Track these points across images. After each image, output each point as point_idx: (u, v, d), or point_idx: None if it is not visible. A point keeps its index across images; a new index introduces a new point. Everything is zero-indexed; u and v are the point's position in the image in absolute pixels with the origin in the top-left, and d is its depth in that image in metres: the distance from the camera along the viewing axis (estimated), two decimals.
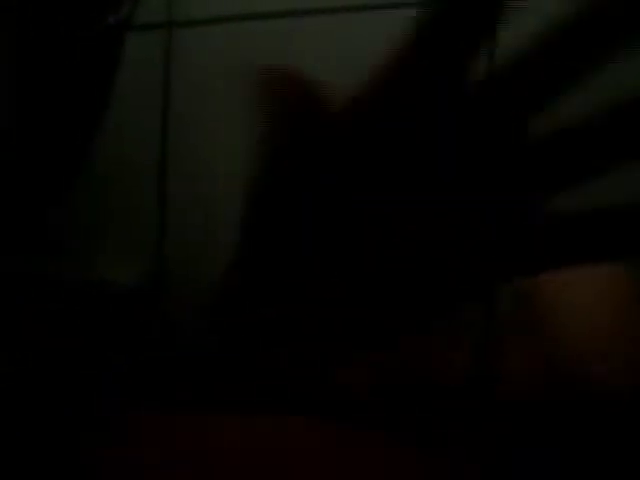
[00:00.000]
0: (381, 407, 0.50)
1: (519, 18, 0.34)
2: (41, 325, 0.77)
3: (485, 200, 0.32)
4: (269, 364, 0.35)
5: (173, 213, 1.32)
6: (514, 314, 0.66)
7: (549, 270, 0.35)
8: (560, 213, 0.33)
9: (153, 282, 1.19)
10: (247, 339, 0.36)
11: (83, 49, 1.14)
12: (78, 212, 1.26)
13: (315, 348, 0.34)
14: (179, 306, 1.24)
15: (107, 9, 0.97)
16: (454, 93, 0.30)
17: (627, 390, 0.50)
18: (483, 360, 0.64)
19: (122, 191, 1.26)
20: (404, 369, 0.56)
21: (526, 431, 0.50)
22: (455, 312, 0.34)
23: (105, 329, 0.91)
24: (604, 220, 0.33)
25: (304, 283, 0.32)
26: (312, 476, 0.25)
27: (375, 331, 0.32)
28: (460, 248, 0.32)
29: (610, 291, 0.61)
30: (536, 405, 0.53)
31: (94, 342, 0.81)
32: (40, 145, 1.02)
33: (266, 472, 0.25)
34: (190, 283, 1.24)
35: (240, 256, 0.35)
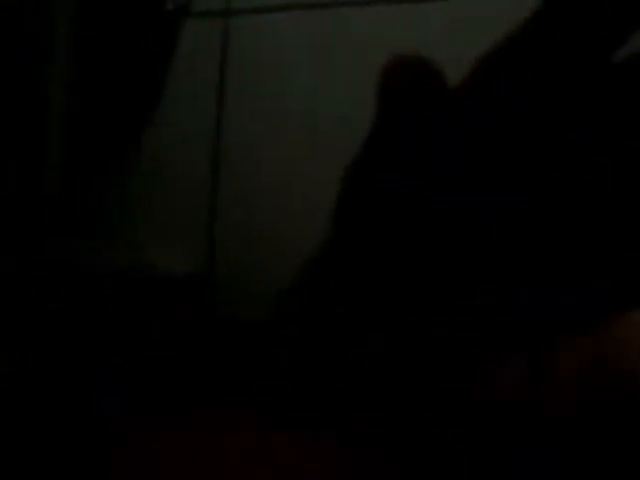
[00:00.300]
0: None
1: None
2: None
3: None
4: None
5: (225, 199, 1.29)
6: None
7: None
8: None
9: (205, 269, 1.18)
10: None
11: (142, 33, 1.12)
12: (133, 198, 1.25)
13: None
14: (231, 293, 1.21)
15: None
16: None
17: None
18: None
19: (174, 178, 1.24)
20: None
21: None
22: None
23: (153, 317, 0.91)
24: None
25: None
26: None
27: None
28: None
29: None
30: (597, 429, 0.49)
31: (93, 338, 0.81)
32: (97, 129, 1.02)
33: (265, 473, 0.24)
34: (243, 269, 1.21)
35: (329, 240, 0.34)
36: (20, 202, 1.00)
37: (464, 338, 0.33)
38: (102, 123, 1.06)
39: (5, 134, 0.98)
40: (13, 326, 0.71)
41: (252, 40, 1.17)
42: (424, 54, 0.35)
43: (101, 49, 1.07)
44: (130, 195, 1.18)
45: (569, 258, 0.30)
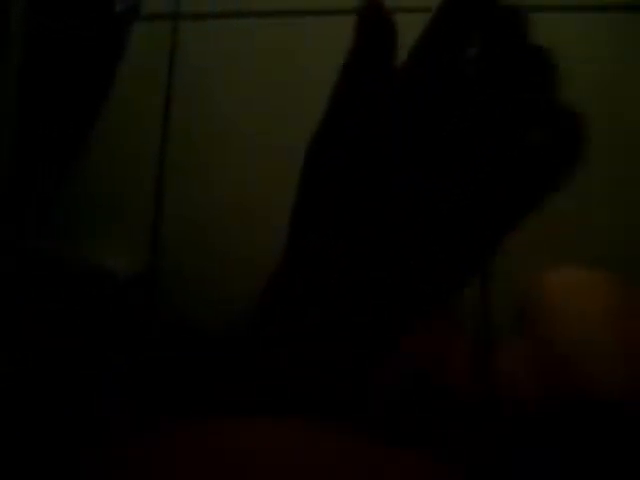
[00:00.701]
0: (382, 406, 0.50)
1: None
2: (40, 324, 0.77)
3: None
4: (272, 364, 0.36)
5: (170, 201, 1.29)
6: (511, 318, 0.65)
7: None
8: None
9: (148, 270, 1.18)
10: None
11: (90, 35, 1.12)
12: (77, 199, 1.24)
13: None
14: (174, 295, 1.21)
15: None
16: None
17: (621, 391, 0.49)
18: (481, 361, 0.64)
19: (120, 179, 1.24)
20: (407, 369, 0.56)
21: (524, 431, 0.49)
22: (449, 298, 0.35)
23: (103, 321, 0.91)
24: None
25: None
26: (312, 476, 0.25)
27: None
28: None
29: (604, 296, 0.59)
30: (533, 405, 0.52)
31: (93, 338, 0.81)
32: (42, 130, 1.01)
33: (266, 473, 0.25)
34: (187, 271, 1.22)
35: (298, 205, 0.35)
36: None
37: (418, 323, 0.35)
38: (48, 123, 1.05)
39: None
40: (12, 326, 0.70)
41: (202, 45, 1.18)
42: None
43: (48, 49, 1.06)
44: (75, 196, 1.17)
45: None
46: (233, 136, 1.19)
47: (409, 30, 0.42)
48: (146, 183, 1.18)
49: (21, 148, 1.05)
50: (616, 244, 1.05)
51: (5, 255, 0.84)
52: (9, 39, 0.98)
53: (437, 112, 0.33)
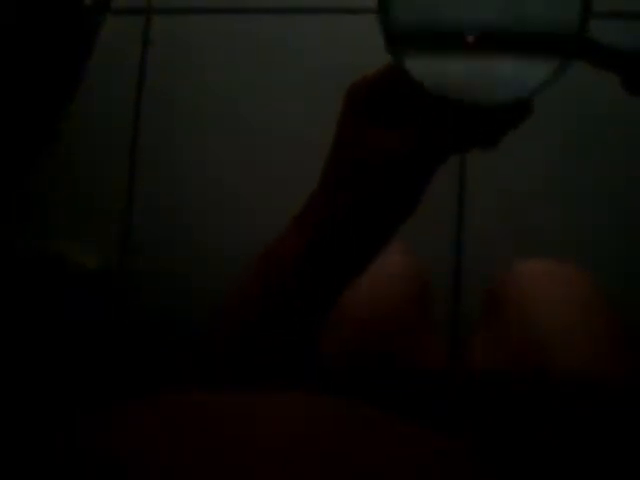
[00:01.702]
0: (363, 385, 0.51)
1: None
2: None
3: None
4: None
5: (141, 196, 1.28)
6: (482, 308, 0.67)
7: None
8: None
9: (117, 264, 1.16)
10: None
11: (60, 29, 1.11)
12: (46, 193, 1.22)
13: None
14: (143, 288, 1.21)
15: None
16: None
17: (591, 380, 0.51)
18: (456, 348, 0.65)
19: (90, 173, 1.22)
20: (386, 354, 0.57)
21: (497, 415, 0.51)
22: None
23: (64, 311, 0.90)
24: None
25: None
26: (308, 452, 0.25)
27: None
28: None
29: (574, 286, 0.61)
30: (504, 392, 0.53)
31: (55, 329, 0.81)
32: (12, 121, 1.00)
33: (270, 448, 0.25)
34: (156, 265, 1.21)
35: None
36: None
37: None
38: (17, 116, 1.04)
39: None
40: None
41: (173, 40, 1.18)
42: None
43: (18, 43, 1.05)
44: (44, 190, 1.16)
45: None
46: (206, 128, 1.19)
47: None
48: (116, 178, 1.17)
49: None
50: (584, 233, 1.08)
51: None
52: None
53: None
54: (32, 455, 0.23)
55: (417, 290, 0.68)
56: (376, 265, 0.59)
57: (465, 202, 1.07)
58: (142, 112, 1.17)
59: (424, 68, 0.37)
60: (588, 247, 1.04)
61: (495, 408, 0.48)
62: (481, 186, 1.09)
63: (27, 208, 1.12)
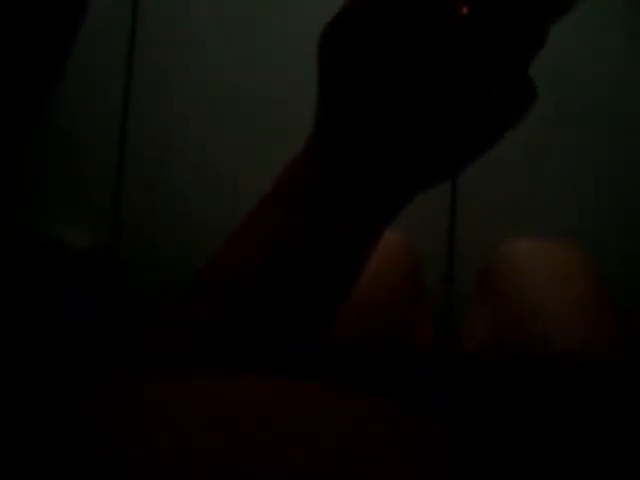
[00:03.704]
0: (357, 368, 0.51)
1: None
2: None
3: None
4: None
5: (131, 174, 1.27)
6: (475, 288, 0.67)
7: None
8: None
9: (111, 243, 1.15)
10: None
11: (47, 3, 1.08)
12: (35, 172, 1.21)
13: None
14: (136, 267, 1.20)
15: None
16: None
17: (583, 355, 0.51)
18: (445, 327, 0.65)
19: (81, 153, 1.21)
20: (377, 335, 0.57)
21: (488, 393, 0.51)
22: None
23: (60, 293, 0.89)
24: None
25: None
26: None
27: None
28: None
29: (568, 264, 0.61)
30: (495, 368, 0.53)
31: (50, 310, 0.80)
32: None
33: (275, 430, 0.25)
34: (149, 244, 1.20)
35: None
36: None
37: None
38: (4, 94, 1.03)
39: None
40: None
41: (163, 12, 1.16)
42: None
43: (5, 20, 1.04)
44: (36, 170, 1.15)
45: None
46: (195, 103, 1.18)
47: None
48: (107, 156, 1.16)
49: None
50: (583, 215, 1.08)
51: None
52: None
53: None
54: (32, 455, 0.22)
55: (412, 273, 0.68)
56: None
57: (458, 186, 1.06)
58: (132, 88, 1.16)
59: None
60: (587, 232, 1.04)
61: (493, 395, 0.48)
62: (474, 170, 1.08)
63: (13, 194, 1.11)
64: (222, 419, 0.25)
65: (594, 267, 0.63)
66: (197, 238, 1.12)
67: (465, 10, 0.36)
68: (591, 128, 1.11)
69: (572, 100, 1.11)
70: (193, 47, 1.17)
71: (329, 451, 0.24)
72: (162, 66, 1.17)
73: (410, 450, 0.25)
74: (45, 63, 1.02)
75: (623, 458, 0.38)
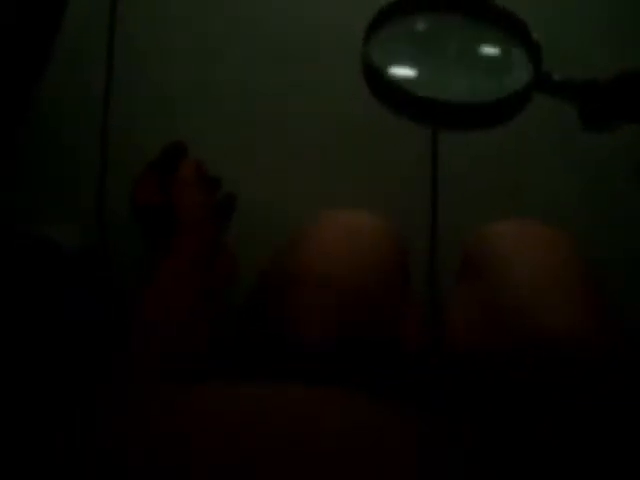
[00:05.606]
0: (345, 365, 0.50)
1: None
2: None
3: None
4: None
5: (114, 169, 1.27)
6: (457, 268, 0.65)
7: None
8: None
9: (97, 242, 1.15)
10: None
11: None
12: (24, 171, 1.20)
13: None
14: (123, 267, 1.19)
15: None
16: None
17: (568, 338, 0.50)
18: (431, 321, 0.64)
19: (65, 148, 1.20)
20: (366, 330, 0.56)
21: (474, 380, 0.50)
22: None
23: (49, 290, 0.89)
24: None
25: None
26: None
27: None
28: None
29: (550, 245, 0.59)
30: (482, 354, 0.52)
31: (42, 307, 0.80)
32: None
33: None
34: (135, 243, 1.20)
35: None
36: None
37: None
38: None
39: None
40: None
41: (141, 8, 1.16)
42: None
43: None
44: (21, 168, 1.15)
45: None
46: (179, 90, 1.17)
47: None
48: (89, 150, 1.16)
49: None
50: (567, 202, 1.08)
51: None
52: None
53: None
54: (32, 455, 0.22)
55: (398, 260, 0.67)
56: (355, 233, 0.58)
57: (439, 167, 1.06)
58: (114, 82, 1.15)
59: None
60: (568, 212, 1.04)
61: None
62: (455, 152, 1.08)
63: None
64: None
65: (577, 246, 0.62)
66: None
67: None
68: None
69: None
70: (174, 40, 1.17)
71: (329, 451, 0.24)
72: (142, 65, 1.17)
73: (410, 450, 0.24)
74: (30, 57, 1.01)
75: (623, 458, 0.38)
